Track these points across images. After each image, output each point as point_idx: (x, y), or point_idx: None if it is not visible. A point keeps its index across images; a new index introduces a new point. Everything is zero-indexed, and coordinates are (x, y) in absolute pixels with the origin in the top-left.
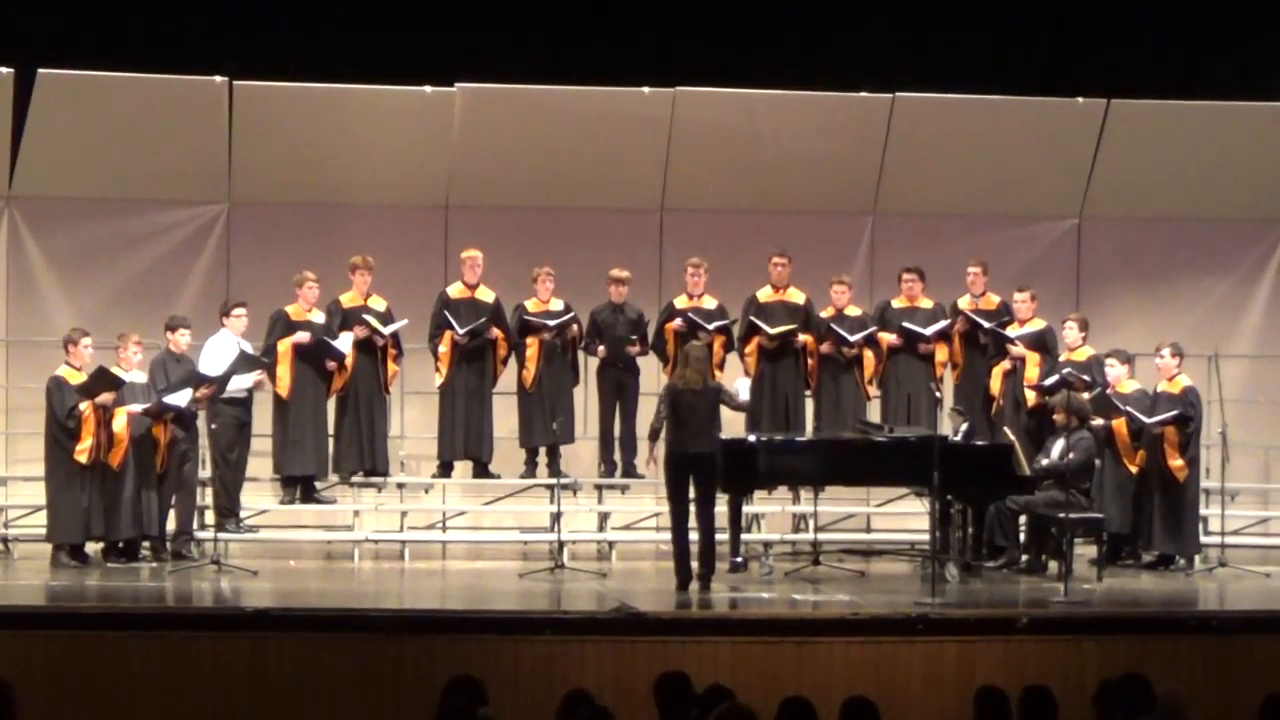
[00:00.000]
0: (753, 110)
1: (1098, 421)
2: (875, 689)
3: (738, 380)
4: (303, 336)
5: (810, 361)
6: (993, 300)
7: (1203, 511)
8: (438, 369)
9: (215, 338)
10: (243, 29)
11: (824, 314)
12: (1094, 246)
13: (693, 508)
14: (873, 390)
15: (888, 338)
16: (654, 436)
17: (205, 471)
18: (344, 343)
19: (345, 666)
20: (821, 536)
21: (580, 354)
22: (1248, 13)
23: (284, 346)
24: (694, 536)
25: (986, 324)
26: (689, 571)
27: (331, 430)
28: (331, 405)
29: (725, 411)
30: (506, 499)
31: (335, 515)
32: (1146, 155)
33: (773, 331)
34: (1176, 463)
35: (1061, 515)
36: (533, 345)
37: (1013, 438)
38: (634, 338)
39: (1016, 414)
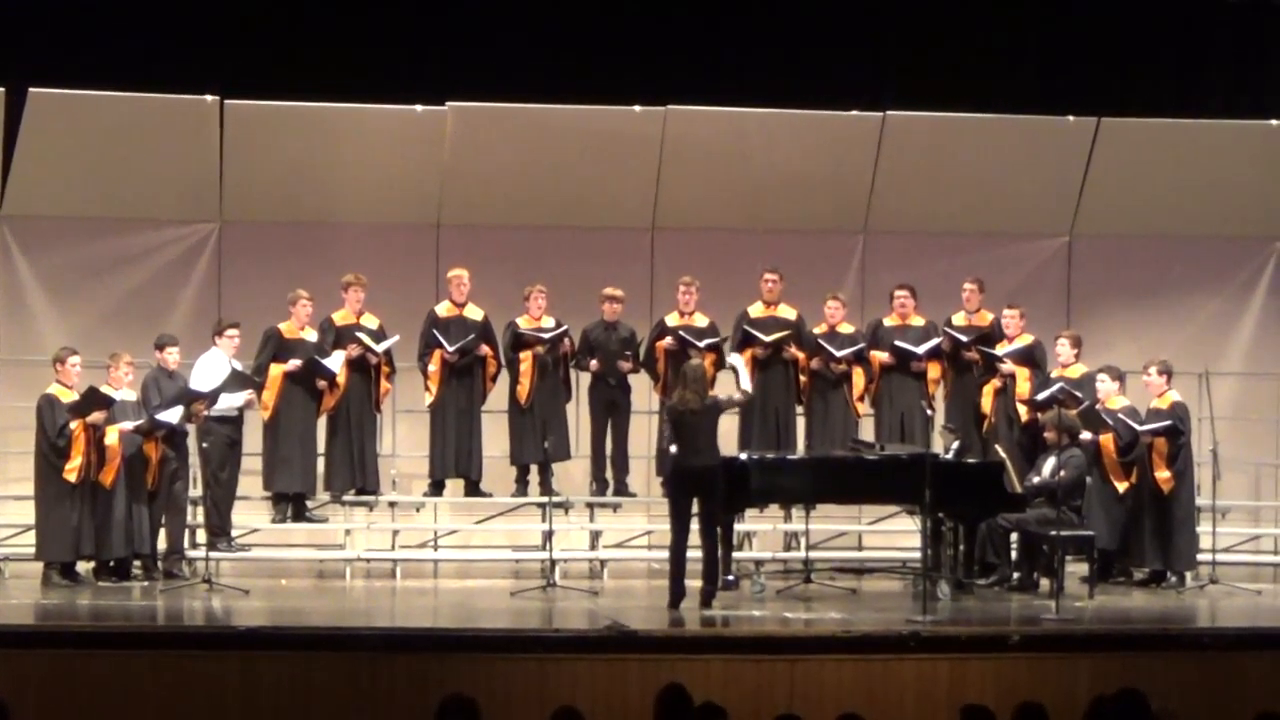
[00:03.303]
0: (744, 128)
1: (1087, 436)
2: (867, 707)
3: (730, 357)
4: (294, 364)
5: (802, 379)
6: (987, 317)
7: (1194, 529)
8: (428, 387)
9: (206, 356)
10: (233, 48)
11: (816, 330)
12: (1084, 264)
13: (694, 525)
14: (862, 408)
15: (880, 356)
16: (664, 457)
17: (196, 490)
18: (334, 362)
19: (337, 685)
20: (813, 554)
21: (573, 371)
22: (1237, 31)
23: (275, 372)
24: (692, 555)
25: (965, 338)
26: (683, 590)
27: (322, 449)
28: (322, 424)
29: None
30: (498, 517)
31: (327, 534)
32: (1137, 173)
33: (768, 339)
34: (1163, 474)
35: (1053, 533)
36: (526, 360)
37: (1004, 455)
38: (627, 353)
39: (1009, 431)
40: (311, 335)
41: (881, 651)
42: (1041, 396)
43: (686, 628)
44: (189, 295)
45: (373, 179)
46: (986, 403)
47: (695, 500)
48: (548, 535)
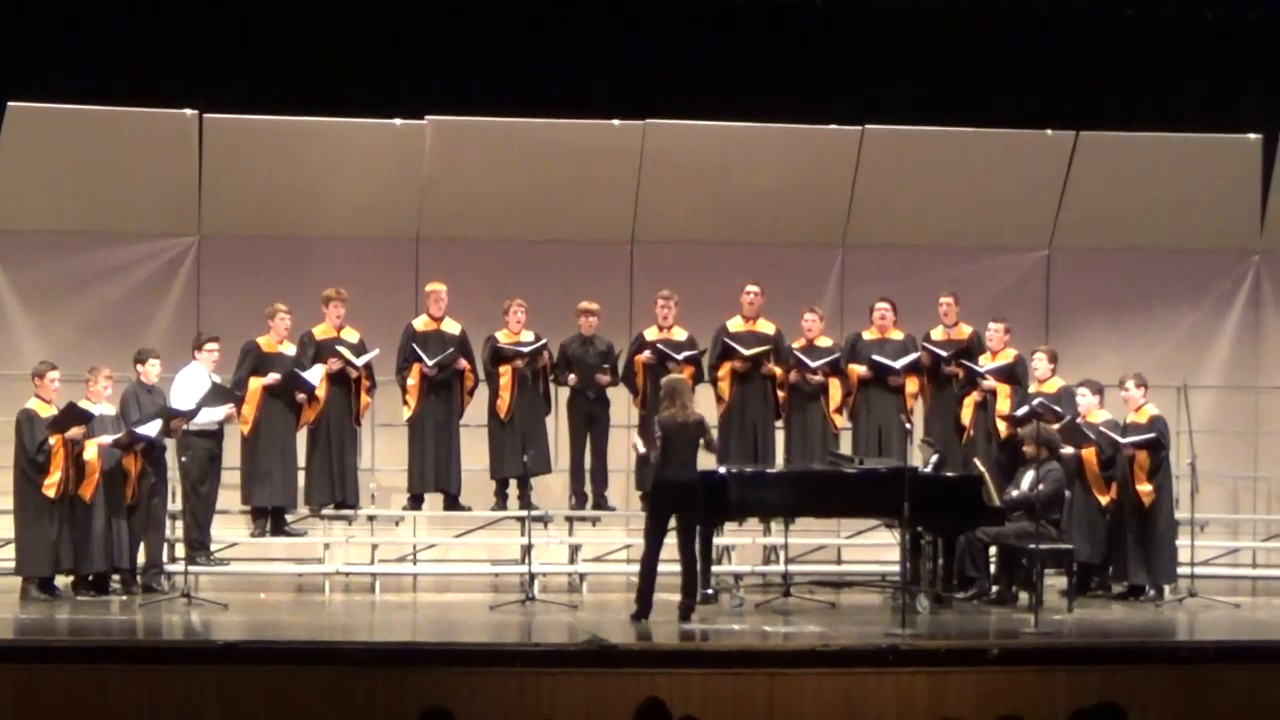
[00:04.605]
0: (722, 142)
1: (1067, 451)
2: None
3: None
4: (273, 378)
5: (780, 393)
6: (964, 331)
7: (1174, 542)
8: (406, 402)
9: (186, 370)
10: (213, 62)
11: (795, 345)
12: (1063, 278)
13: (677, 540)
14: (839, 420)
15: (858, 370)
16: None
17: (175, 504)
18: (314, 375)
19: (316, 700)
20: (792, 568)
21: (552, 385)
22: (1213, 45)
23: (254, 385)
24: (671, 568)
25: (945, 353)
26: (651, 603)
27: (302, 462)
28: (302, 437)
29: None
30: (477, 531)
31: (306, 548)
32: (1115, 187)
33: (747, 353)
34: (1144, 488)
35: (1031, 546)
36: (506, 374)
37: (983, 469)
38: (605, 366)
39: (988, 445)
40: (290, 349)
41: (860, 665)
42: (1020, 412)
43: (665, 642)
44: (168, 309)
45: (352, 193)
46: (967, 415)
47: (673, 514)
48: (527, 549)
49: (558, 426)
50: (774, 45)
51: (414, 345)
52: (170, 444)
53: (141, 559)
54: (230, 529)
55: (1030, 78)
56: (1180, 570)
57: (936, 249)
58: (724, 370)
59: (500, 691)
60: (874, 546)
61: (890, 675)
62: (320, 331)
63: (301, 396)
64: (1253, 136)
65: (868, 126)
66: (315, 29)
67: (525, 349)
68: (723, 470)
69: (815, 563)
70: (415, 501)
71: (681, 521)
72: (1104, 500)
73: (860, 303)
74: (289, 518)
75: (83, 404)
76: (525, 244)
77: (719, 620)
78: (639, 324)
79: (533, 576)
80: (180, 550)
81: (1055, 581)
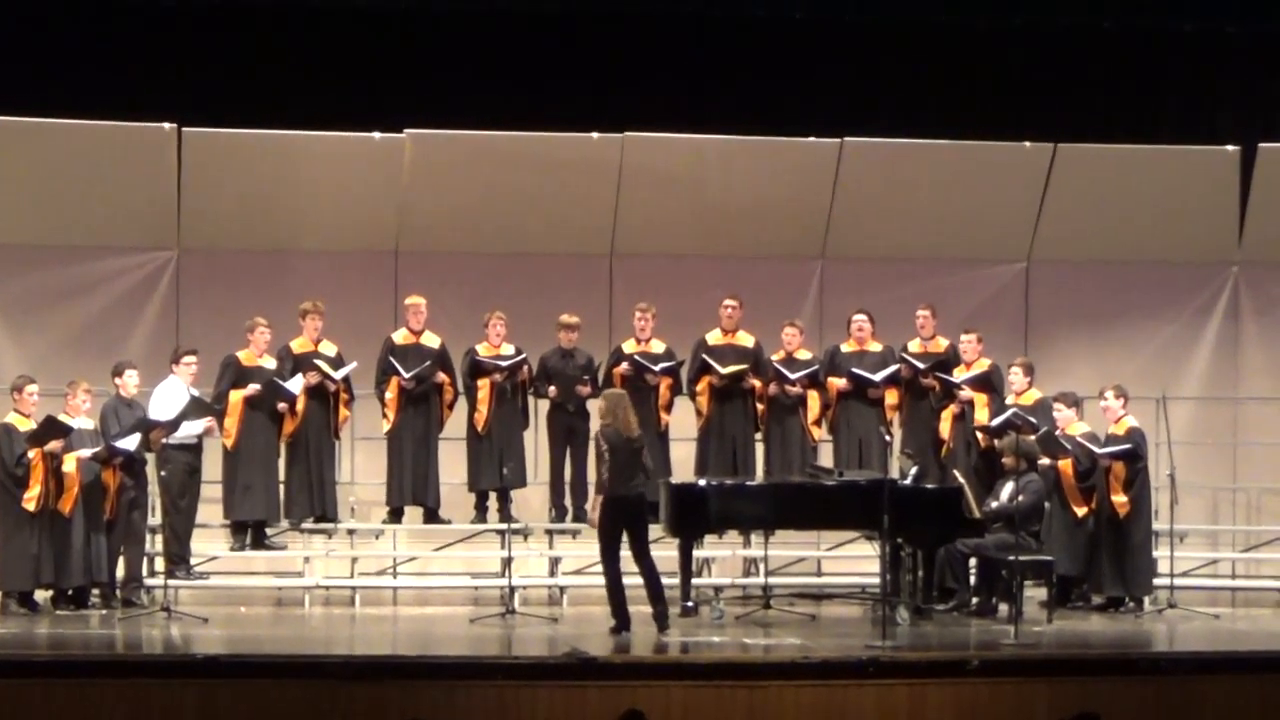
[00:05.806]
0: (701, 155)
1: (1045, 462)
2: None
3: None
4: (253, 389)
5: (759, 406)
6: (941, 343)
7: (1152, 553)
8: (385, 415)
9: (164, 384)
10: (191, 75)
11: (774, 358)
12: (1042, 290)
13: (632, 553)
14: (817, 432)
15: (837, 383)
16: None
17: (154, 518)
18: (294, 384)
19: (296, 713)
20: (772, 580)
21: (530, 398)
22: (1192, 57)
23: (235, 398)
24: (636, 581)
25: (922, 365)
26: (628, 616)
27: (282, 476)
28: (282, 450)
29: (673, 454)
30: (457, 544)
31: (286, 561)
32: (1094, 199)
33: (724, 371)
34: (1119, 499)
35: (1011, 558)
36: (484, 388)
37: (962, 481)
38: (585, 378)
39: (967, 457)
40: (270, 362)
41: (840, 677)
42: (996, 423)
43: (645, 654)
44: (147, 323)
45: (331, 206)
46: (945, 428)
47: (623, 529)
48: (507, 562)
49: (536, 439)
50: (752, 58)
51: (391, 358)
52: (150, 458)
53: (121, 573)
54: (210, 543)
55: (1008, 90)
56: (1160, 581)
57: (915, 261)
58: (702, 385)
59: (480, 704)
60: (854, 558)
61: (870, 687)
62: (298, 345)
63: (283, 406)
64: (1230, 148)
65: (846, 139)
66: (294, 42)
67: (505, 362)
68: (702, 482)
69: (795, 575)
70: (395, 515)
71: (632, 534)
72: (1081, 512)
73: (839, 315)
74: (268, 531)
75: (62, 417)
76: (504, 257)
77: (699, 632)
78: (618, 336)
79: (513, 589)
80: (160, 564)
81: (1035, 593)
